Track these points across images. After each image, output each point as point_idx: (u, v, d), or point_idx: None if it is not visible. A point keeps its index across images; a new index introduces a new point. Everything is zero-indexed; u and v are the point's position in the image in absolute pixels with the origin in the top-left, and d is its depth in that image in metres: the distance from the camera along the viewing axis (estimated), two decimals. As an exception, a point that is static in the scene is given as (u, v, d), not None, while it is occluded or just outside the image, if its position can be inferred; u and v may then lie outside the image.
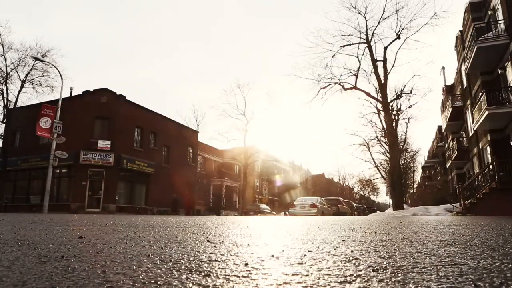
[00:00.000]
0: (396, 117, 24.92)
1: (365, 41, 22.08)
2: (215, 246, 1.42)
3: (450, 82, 32.04)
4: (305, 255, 1.20)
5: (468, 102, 22.52)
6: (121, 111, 21.77)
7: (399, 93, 23.14)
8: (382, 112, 22.85)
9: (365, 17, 22.03)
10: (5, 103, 24.78)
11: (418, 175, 60.88)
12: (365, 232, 2.06)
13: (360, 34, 22.09)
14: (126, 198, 20.92)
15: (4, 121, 24.97)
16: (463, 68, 22.89)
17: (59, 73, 18.77)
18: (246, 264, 1.03)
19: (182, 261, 1.08)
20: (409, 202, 52.33)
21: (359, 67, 22.25)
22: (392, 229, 2.34)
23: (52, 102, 20.53)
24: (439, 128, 41.14)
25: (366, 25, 22.02)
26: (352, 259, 1.13)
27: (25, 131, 22.67)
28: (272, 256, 1.19)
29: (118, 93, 22.59)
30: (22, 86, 24.99)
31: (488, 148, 18.98)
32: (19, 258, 1.11)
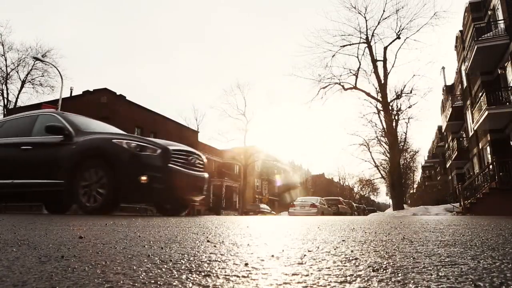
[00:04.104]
0: (396, 117, 24.92)
1: (365, 41, 22.08)
2: (215, 246, 1.42)
3: (450, 82, 32.02)
4: (305, 255, 1.20)
5: (468, 102, 22.51)
6: (121, 111, 21.77)
7: (399, 93, 23.16)
8: (382, 112, 22.83)
9: (365, 17, 22.05)
10: (5, 103, 24.80)
11: (418, 175, 60.84)
12: (365, 232, 2.06)
13: (360, 34, 22.11)
14: (126, 198, 20.90)
15: (4, 121, 24.94)
16: (463, 68, 22.87)
17: (59, 73, 18.79)
18: (246, 264, 1.03)
19: (182, 261, 1.08)
20: (409, 202, 52.32)
21: (359, 67, 22.29)
22: (392, 229, 2.34)
23: (52, 102, 20.51)
24: (439, 128, 41.14)
25: (366, 25, 22.04)
26: (352, 259, 1.13)
27: (25, 131, 22.57)
28: (272, 256, 1.19)
29: (118, 93, 22.58)
30: (22, 86, 25.01)
31: (488, 148, 18.97)
32: (19, 258, 1.11)
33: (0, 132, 6.41)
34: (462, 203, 15.79)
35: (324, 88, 22.59)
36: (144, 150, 5.05)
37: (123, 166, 4.94)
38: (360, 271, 0.94)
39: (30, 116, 6.43)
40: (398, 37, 21.50)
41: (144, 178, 4.87)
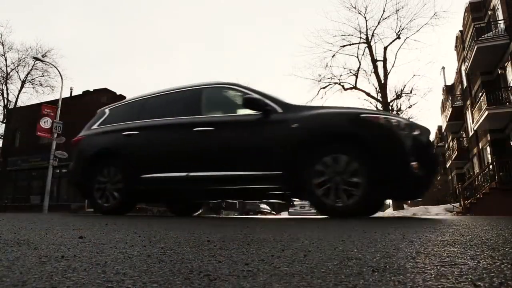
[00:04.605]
0: (396, 117, 24.82)
1: (365, 41, 22.08)
2: (215, 246, 1.42)
3: (450, 82, 32.02)
4: (305, 255, 1.20)
5: (468, 102, 22.51)
6: (121, 111, 21.72)
7: (399, 93, 23.14)
8: (382, 112, 22.79)
9: (365, 17, 22.04)
10: (5, 103, 24.78)
11: (418, 175, 60.73)
12: (365, 232, 2.06)
13: (360, 34, 22.10)
14: (126, 198, 20.89)
15: (4, 121, 24.95)
16: (463, 68, 22.87)
17: (59, 73, 18.79)
18: (247, 264, 1.03)
19: (182, 261, 1.09)
20: (409, 202, 52.23)
21: (359, 67, 22.28)
22: (392, 229, 2.34)
23: (52, 102, 20.52)
24: (439, 128, 41.09)
25: (366, 25, 22.03)
26: (352, 259, 1.13)
27: (25, 131, 22.67)
28: (273, 255, 1.19)
29: (118, 93, 22.58)
30: (22, 86, 24.99)
31: (488, 148, 18.98)
32: (19, 258, 1.11)
33: (151, 111, 4.98)
34: (462, 203, 15.78)
35: (324, 88, 22.61)
36: (406, 128, 3.81)
37: (392, 151, 3.72)
38: (360, 271, 0.94)
39: (189, 90, 4.86)
40: (398, 37, 21.50)
41: (415, 165, 3.69)
